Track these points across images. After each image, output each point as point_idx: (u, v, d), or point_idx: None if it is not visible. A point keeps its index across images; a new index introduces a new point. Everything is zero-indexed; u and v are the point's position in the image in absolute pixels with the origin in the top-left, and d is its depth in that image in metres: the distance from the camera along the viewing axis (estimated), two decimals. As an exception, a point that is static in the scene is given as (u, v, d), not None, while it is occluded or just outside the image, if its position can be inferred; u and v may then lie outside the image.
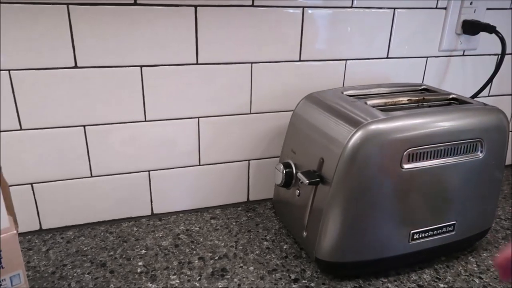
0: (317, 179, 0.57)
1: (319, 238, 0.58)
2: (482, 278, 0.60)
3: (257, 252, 0.66)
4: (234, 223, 0.74)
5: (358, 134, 0.53)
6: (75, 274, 0.61)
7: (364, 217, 0.56)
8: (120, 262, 0.64)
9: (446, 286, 0.59)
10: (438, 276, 0.61)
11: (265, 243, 0.69)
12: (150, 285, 0.59)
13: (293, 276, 0.61)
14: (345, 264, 0.58)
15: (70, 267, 0.63)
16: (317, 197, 0.59)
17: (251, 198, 0.81)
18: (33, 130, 0.65)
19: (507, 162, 0.68)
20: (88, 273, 0.61)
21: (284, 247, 0.67)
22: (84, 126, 0.67)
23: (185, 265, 0.63)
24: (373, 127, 0.54)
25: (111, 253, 0.66)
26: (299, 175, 0.58)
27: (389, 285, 0.59)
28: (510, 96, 0.92)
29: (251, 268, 0.63)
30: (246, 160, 0.78)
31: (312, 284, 0.59)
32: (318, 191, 0.58)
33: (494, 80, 0.83)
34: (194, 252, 0.66)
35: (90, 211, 0.73)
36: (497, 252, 0.66)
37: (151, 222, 0.74)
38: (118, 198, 0.73)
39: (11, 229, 0.43)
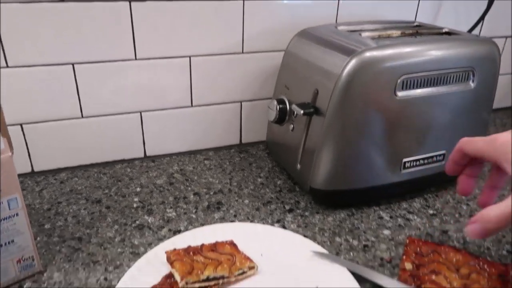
0: (312, 110, 0.57)
1: (313, 168, 0.59)
2: (469, 205, 0.63)
3: (251, 187, 0.67)
4: (227, 163, 0.75)
5: (353, 62, 0.53)
6: (70, 210, 0.61)
7: (358, 146, 0.57)
8: (115, 199, 0.64)
9: (435, 212, 0.61)
10: (427, 204, 0.63)
11: (259, 179, 0.70)
12: (147, 217, 0.60)
13: (287, 207, 0.62)
14: (338, 192, 0.59)
15: (65, 204, 0.63)
16: (311, 129, 0.59)
17: (243, 141, 0.82)
18: (20, 68, 0.63)
19: (494, 106, 0.69)
20: (84, 209, 0.62)
21: (278, 183, 0.69)
22: (73, 64, 0.65)
23: (181, 200, 0.64)
24: (368, 54, 0.53)
25: (106, 191, 0.66)
26: (294, 106, 0.59)
27: (381, 212, 0.61)
28: (503, 38, 0.93)
29: (246, 201, 0.64)
30: (238, 102, 0.78)
31: (307, 213, 0.60)
32: (312, 122, 0.59)
33: (486, 21, 0.83)
34: (189, 188, 0.67)
35: (83, 153, 0.72)
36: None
37: (144, 164, 0.74)
38: (111, 140, 0.73)
39: (6, 151, 0.43)
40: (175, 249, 0.50)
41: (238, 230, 0.55)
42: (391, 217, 0.60)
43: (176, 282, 0.46)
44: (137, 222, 0.59)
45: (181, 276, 0.46)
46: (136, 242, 0.55)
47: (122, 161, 0.75)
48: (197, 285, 0.46)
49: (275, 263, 0.50)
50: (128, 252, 0.53)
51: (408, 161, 0.59)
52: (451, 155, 0.47)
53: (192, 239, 0.53)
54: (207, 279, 0.46)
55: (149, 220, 0.59)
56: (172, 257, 0.48)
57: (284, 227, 0.58)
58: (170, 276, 0.48)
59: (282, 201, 0.63)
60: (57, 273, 0.50)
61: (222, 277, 0.47)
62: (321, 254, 0.51)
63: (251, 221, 0.59)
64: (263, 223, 0.58)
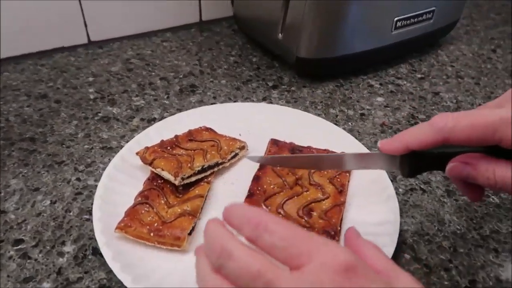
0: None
1: (300, 34, 0.51)
2: (454, 66, 0.61)
3: (225, 67, 0.59)
4: (191, 44, 0.65)
5: None
6: (11, 109, 0.50)
7: (350, 4, 0.50)
8: (65, 92, 0.53)
9: (423, 76, 0.58)
10: (414, 69, 0.60)
11: (232, 58, 0.61)
12: (111, 108, 0.51)
13: (270, 84, 0.56)
14: (328, 60, 0.53)
15: (2, 102, 0.51)
16: (295, -12, 0.50)
17: (203, 18, 0.70)
18: None
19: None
20: (28, 106, 0.51)
21: (254, 60, 0.61)
22: None
23: (147, 86, 0.55)
24: None
25: (50, 84, 0.55)
26: (274, -42, 0.49)
27: (370, 80, 0.57)
28: None
29: (223, 81, 0.56)
30: (194, -33, 0.65)
31: (293, 88, 0.55)
32: (296, -21, 0.50)
33: None
34: (153, 73, 0.57)
35: (10, 42, 0.57)
36: (462, 45, 0.66)
37: (90, 51, 0.62)
38: (43, 24, 0.58)
39: None
40: (147, 148, 0.41)
41: (220, 111, 0.48)
42: (381, 84, 0.56)
43: (165, 182, 0.39)
44: (100, 114, 0.50)
45: (174, 173, 0.38)
46: (105, 136, 0.46)
47: (61, 49, 0.61)
48: (193, 178, 0.40)
49: (265, 137, 0.45)
50: (98, 148, 0.45)
51: (399, 20, 0.54)
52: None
53: (175, 125, 0.45)
54: (202, 170, 0.40)
55: (114, 111, 0.50)
56: (149, 157, 0.40)
57: (271, 104, 0.52)
58: (154, 178, 0.40)
59: (263, 78, 0.57)
60: (14, 179, 0.41)
61: (217, 164, 0.41)
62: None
63: (234, 101, 0.52)
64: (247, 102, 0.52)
